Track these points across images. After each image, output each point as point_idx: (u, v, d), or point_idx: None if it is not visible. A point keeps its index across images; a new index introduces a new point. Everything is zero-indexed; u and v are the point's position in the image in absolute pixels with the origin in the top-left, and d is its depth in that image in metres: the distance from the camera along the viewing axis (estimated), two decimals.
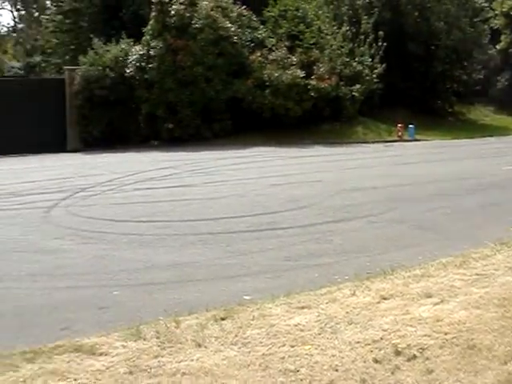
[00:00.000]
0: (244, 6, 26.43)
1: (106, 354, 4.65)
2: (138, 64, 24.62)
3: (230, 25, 24.80)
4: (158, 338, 4.95)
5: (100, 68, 24.68)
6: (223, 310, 5.58)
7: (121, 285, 7.27)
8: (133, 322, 5.58)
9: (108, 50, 25.44)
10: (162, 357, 4.59)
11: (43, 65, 46.69)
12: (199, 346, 4.77)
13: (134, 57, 24.82)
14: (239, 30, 25.22)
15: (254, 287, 6.86)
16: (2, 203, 13.06)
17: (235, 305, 5.80)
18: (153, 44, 24.51)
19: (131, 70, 24.66)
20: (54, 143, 24.57)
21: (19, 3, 57.86)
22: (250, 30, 26.13)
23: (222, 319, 5.33)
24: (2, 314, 6.38)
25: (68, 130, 25.30)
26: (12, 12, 59.16)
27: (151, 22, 25.00)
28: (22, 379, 4.29)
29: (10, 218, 11.40)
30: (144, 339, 4.95)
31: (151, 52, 24.50)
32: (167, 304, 6.18)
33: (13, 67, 52.51)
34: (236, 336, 4.92)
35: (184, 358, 4.58)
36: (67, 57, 35.76)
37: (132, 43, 25.62)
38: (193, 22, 24.26)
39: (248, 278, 7.35)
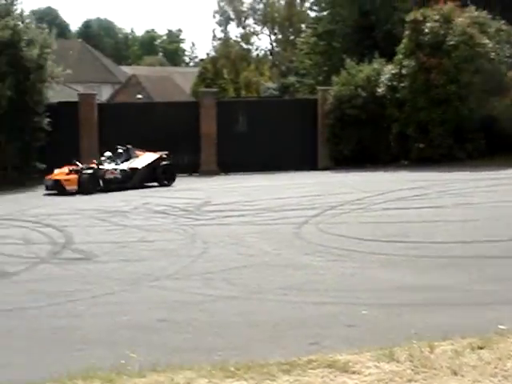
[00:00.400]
0: (503, 21, 25.24)
1: (358, 373, 4.65)
2: (389, 83, 24.59)
3: (487, 41, 23.84)
4: (411, 361, 4.84)
5: (352, 88, 25.02)
6: (479, 338, 5.32)
7: (369, 304, 7.26)
8: (381, 343, 5.53)
9: (360, 70, 25.73)
10: (416, 381, 4.48)
11: (297, 85, 48.55)
12: (455, 373, 4.57)
13: (386, 76, 24.83)
14: (497, 46, 24.14)
15: (510, 317, 6.46)
16: (257, 218, 13.76)
17: (492, 334, 5.50)
18: (405, 63, 24.34)
19: (383, 89, 24.69)
20: (306, 161, 25.38)
21: (276, 28, 60.86)
22: (508, 46, 24.89)
23: (480, 348, 5.07)
24: (257, 325, 6.70)
25: (319, 149, 25.96)
26: (269, 36, 62.45)
27: (404, 41, 24.85)
28: None
29: (264, 233, 11.96)
30: (397, 361, 4.87)
31: (403, 71, 24.34)
32: (417, 327, 6.05)
33: (268, 88, 55.30)
34: (495, 367, 4.65)
35: None
36: (320, 77, 36.82)
37: (384, 62, 25.67)
38: (447, 39, 23.70)
39: (503, 306, 6.95)
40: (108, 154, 20.75)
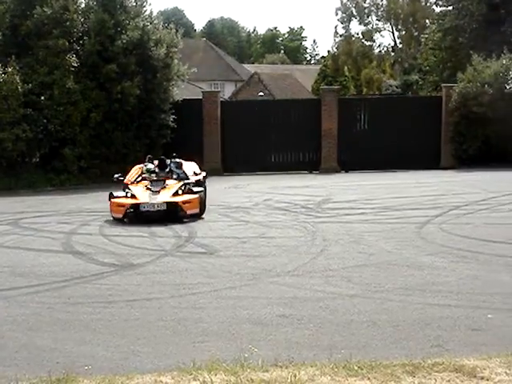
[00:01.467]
0: None
1: (487, 379, 4.51)
2: None
3: None
4: None
5: (478, 84, 24.24)
6: None
7: (495, 308, 7.03)
8: (509, 349, 5.34)
9: (488, 66, 24.88)
10: None
11: (420, 82, 47.56)
12: None
13: None
14: None
15: None
16: (378, 216, 13.60)
17: None
18: None
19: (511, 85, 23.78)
20: (428, 159, 24.86)
21: (399, 24, 59.84)
22: None
23: None
24: (378, 324, 6.62)
25: (443, 147, 25.33)
26: (392, 33, 61.47)
27: None
28: None
29: (385, 232, 11.80)
30: None
31: None
32: None
33: (390, 85, 54.50)
34: None
35: None
36: (444, 74, 35.90)
37: None
38: None
39: None
40: (150, 166, 15.34)
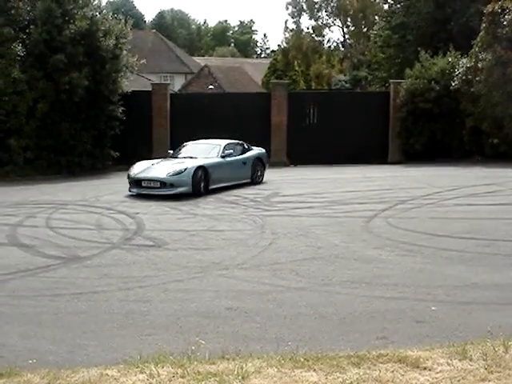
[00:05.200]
0: None
1: (430, 370, 4.61)
2: (464, 77, 24.08)
3: None
4: (484, 360, 4.77)
5: (425, 81, 24.63)
6: None
7: (438, 300, 7.18)
8: (452, 340, 5.47)
9: (434, 63, 25.29)
10: (489, 381, 4.42)
11: (369, 78, 48.12)
12: None
13: (461, 70, 24.33)
14: None
15: None
16: (326, 210, 13.72)
17: None
18: (481, 56, 23.78)
19: (457, 82, 24.20)
20: (376, 155, 25.16)
21: (349, 20, 60.39)
22: None
23: None
24: (325, 317, 6.71)
25: (390, 142, 25.68)
26: (342, 28, 62.00)
27: (481, 34, 24.25)
28: (348, 382, 4.45)
29: (333, 226, 11.92)
30: (470, 360, 4.81)
31: (479, 64, 23.78)
32: (489, 326, 5.93)
33: (340, 80, 55.02)
34: None
35: None
36: (393, 71, 36.40)
37: (459, 56, 25.15)
38: None
39: None
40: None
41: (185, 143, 18.86)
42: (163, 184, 15.97)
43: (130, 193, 16.33)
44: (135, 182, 16.44)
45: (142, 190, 16.17)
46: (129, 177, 16.64)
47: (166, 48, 55.89)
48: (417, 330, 6.25)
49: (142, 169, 16.70)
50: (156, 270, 8.87)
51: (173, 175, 15.95)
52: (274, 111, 25.47)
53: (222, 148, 17.75)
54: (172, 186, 15.88)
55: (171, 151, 19.05)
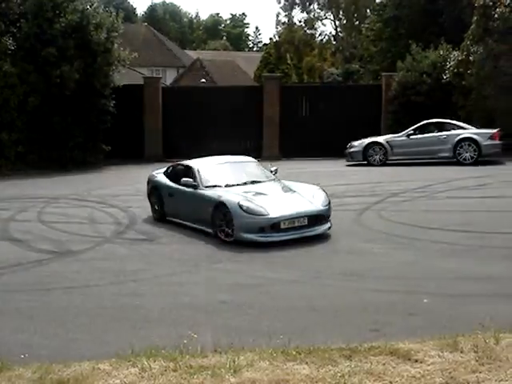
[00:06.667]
0: None
1: (421, 362, 4.63)
2: (455, 70, 24.09)
3: None
4: (475, 352, 4.80)
5: (417, 74, 24.64)
6: None
7: (430, 293, 7.20)
8: (443, 332, 5.49)
9: (426, 56, 25.31)
10: (480, 373, 4.44)
11: (361, 71, 48.11)
12: None
13: (452, 62, 24.35)
14: None
15: None
16: None
17: None
18: (473, 49, 23.80)
19: (449, 75, 24.22)
20: None
21: (341, 13, 60.32)
22: None
23: None
24: (317, 309, 6.72)
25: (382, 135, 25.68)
26: (334, 21, 61.94)
27: (472, 27, 24.25)
28: (340, 374, 4.47)
29: None
30: (461, 352, 4.83)
31: (470, 57, 23.80)
32: (480, 318, 5.95)
33: (332, 74, 54.95)
34: None
35: (504, 378, 4.38)
36: (384, 64, 36.39)
37: (451, 49, 25.17)
38: None
39: None
40: None
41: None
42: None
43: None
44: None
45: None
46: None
47: (158, 41, 55.70)
48: (409, 322, 6.27)
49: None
50: (148, 264, 8.87)
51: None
52: (266, 104, 25.43)
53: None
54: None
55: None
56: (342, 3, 58.47)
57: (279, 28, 61.76)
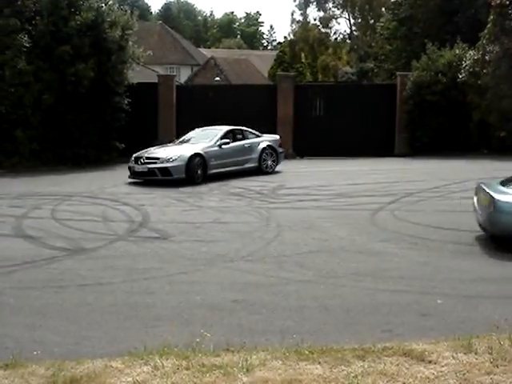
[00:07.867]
0: None
1: (434, 363, 4.59)
2: (471, 69, 23.98)
3: None
4: (490, 353, 4.75)
5: (432, 73, 24.53)
6: None
7: (444, 294, 7.15)
8: (457, 333, 5.44)
9: (441, 55, 25.19)
10: (495, 374, 4.40)
11: (375, 70, 47.95)
12: None
13: (468, 62, 24.23)
14: None
15: None
16: (331, 203, 13.70)
17: None
18: (489, 48, 23.67)
19: (464, 75, 24.10)
20: (382, 147, 25.09)
21: (356, 12, 60.15)
22: None
23: None
24: (330, 309, 6.69)
25: (396, 135, 25.60)
26: (349, 20, 61.78)
27: (488, 26, 24.13)
28: (353, 374, 4.44)
29: (339, 218, 11.89)
30: (475, 353, 4.79)
31: (486, 57, 23.68)
32: (495, 319, 5.91)
33: (346, 73, 54.83)
34: None
35: None
36: (399, 63, 36.26)
37: (466, 48, 25.05)
38: None
39: None
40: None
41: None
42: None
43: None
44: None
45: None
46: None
47: (172, 40, 55.82)
48: (422, 323, 6.23)
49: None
50: (161, 262, 8.86)
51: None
52: (280, 103, 25.42)
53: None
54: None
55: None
56: (357, 2, 58.33)
57: (294, 26, 61.77)
